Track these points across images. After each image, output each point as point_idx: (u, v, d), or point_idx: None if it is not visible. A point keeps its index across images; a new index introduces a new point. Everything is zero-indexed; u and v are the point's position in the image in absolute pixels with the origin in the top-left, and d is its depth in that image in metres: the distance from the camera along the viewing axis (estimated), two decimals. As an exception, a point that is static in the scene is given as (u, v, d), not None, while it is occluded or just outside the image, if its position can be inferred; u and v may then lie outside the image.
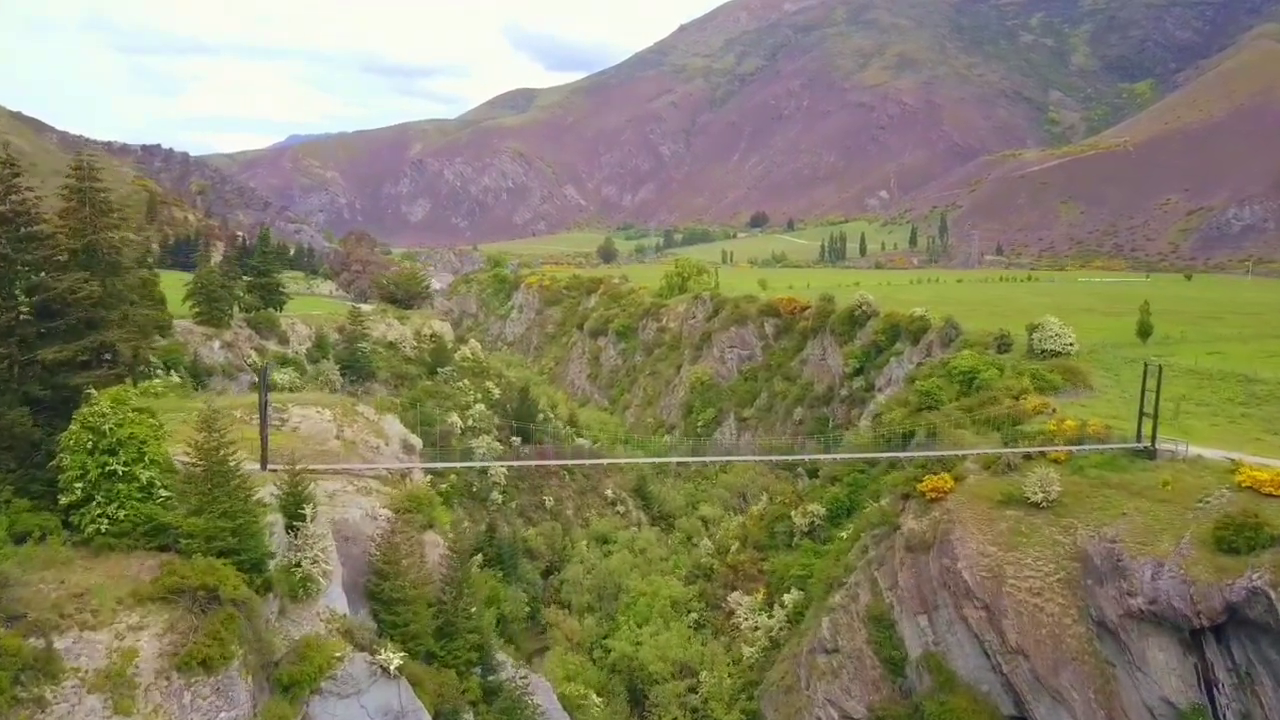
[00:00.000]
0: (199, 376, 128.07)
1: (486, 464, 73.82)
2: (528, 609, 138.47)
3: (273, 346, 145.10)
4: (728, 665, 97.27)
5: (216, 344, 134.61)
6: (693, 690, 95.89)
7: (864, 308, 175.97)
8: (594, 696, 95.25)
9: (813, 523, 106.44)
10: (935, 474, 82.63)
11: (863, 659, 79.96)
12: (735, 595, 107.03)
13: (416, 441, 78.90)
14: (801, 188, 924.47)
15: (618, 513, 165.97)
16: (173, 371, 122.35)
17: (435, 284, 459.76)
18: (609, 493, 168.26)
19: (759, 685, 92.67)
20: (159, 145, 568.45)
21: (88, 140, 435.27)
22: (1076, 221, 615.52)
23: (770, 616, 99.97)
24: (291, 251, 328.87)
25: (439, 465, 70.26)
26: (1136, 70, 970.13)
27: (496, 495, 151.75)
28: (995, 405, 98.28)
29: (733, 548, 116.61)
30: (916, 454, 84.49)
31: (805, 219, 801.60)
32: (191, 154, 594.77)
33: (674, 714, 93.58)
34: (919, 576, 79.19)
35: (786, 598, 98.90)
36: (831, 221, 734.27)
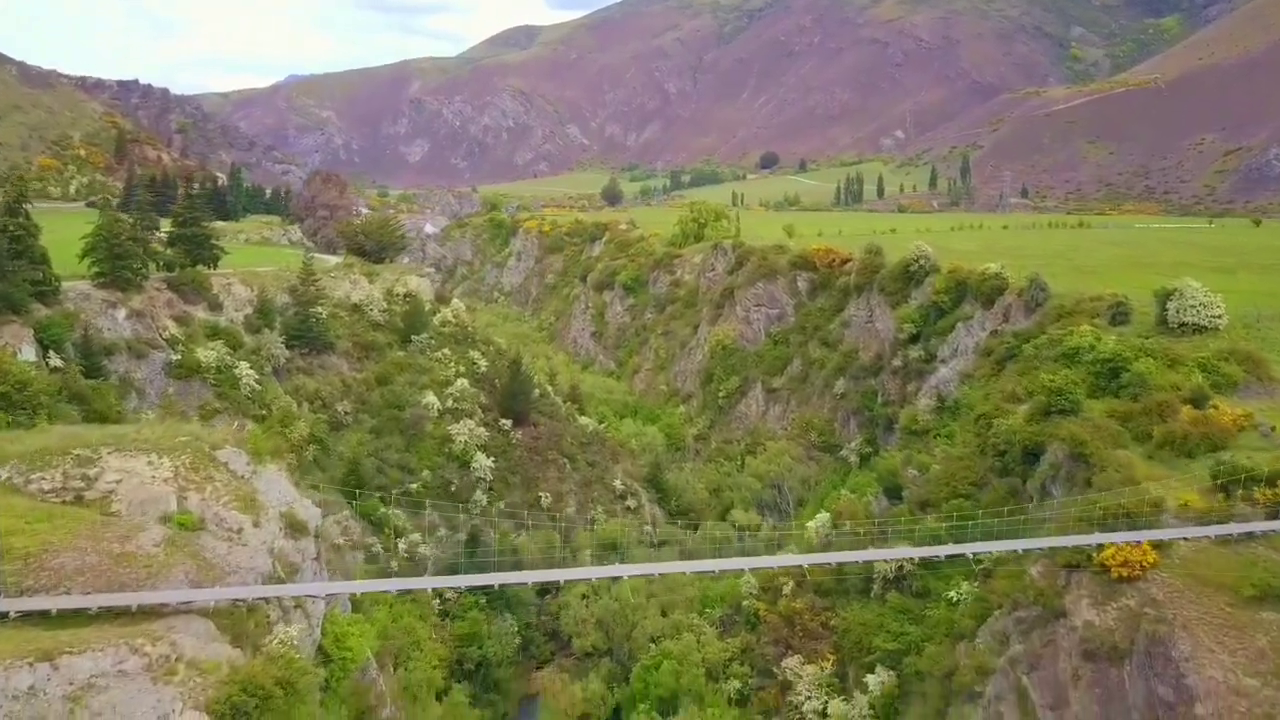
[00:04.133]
0: (94, 356, 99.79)
1: (403, 585, 47.01)
2: (519, 639, 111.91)
3: (201, 314, 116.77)
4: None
5: (122, 313, 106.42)
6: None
7: (921, 262, 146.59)
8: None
9: (902, 568, 78.59)
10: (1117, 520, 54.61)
11: (1013, 819, 52.44)
12: (792, 661, 79.79)
13: (312, 515, 51.00)
14: (813, 127, 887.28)
15: (628, 508, 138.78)
16: (50, 353, 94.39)
17: (430, 228, 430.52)
18: (618, 484, 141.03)
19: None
20: (136, 81, 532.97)
21: (57, 75, 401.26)
22: (1105, 162, 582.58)
23: (847, 702, 72.83)
24: (268, 194, 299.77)
25: (336, 586, 44.68)
26: (1162, 5, 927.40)
27: (480, 496, 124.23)
28: (1168, 413, 69.83)
29: (786, 588, 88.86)
30: (1085, 538, 56.07)
31: (818, 160, 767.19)
32: (188, 95, 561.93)
33: None
34: (1107, 699, 51.78)
35: (871, 679, 71.77)
36: (845, 162, 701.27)
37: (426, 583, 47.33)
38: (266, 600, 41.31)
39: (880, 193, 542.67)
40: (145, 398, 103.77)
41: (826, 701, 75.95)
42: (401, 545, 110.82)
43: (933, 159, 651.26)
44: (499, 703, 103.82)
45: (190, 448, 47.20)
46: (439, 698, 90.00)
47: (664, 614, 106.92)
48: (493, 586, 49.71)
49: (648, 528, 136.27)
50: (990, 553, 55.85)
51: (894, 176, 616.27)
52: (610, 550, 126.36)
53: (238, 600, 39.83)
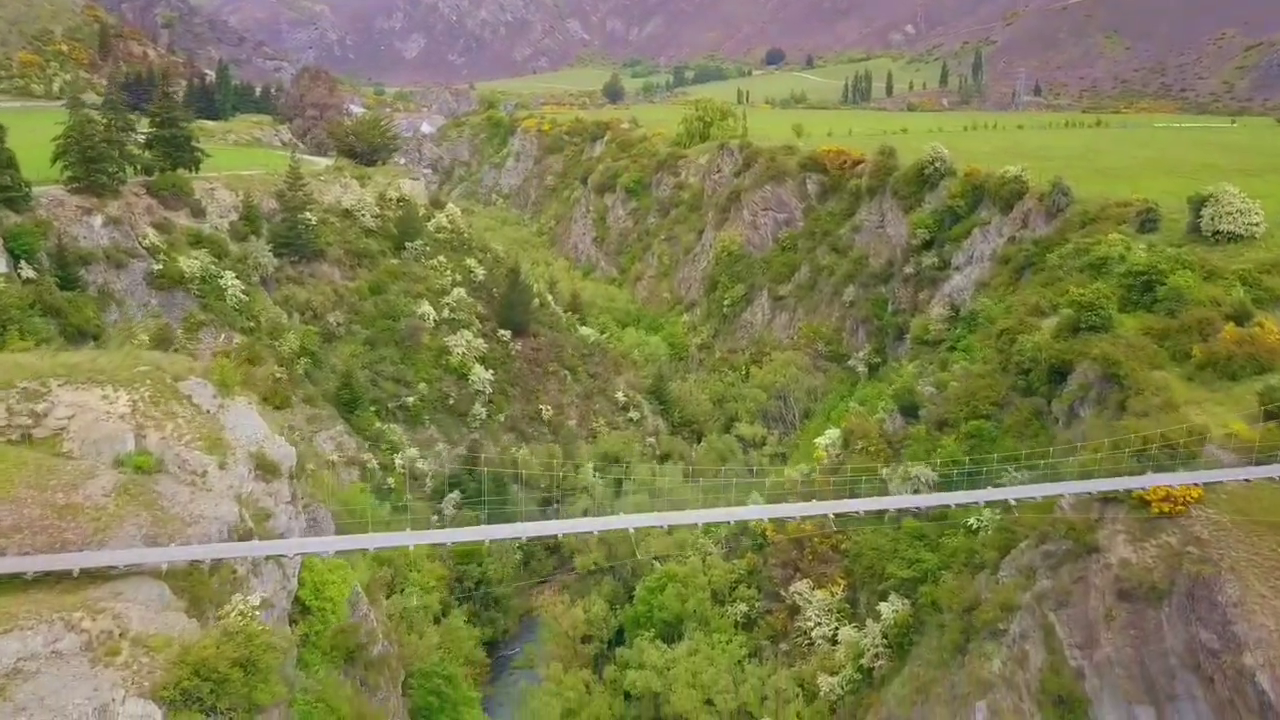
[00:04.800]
0: (69, 267, 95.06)
1: (382, 543, 42.59)
2: (519, 556, 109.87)
3: (183, 221, 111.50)
4: (798, 705, 67.89)
5: (98, 220, 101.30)
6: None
7: (936, 164, 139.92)
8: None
9: (917, 491, 74.96)
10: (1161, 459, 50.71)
11: (1037, 763, 49.83)
12: (801, 586, 77.04)
13: (285, 455, 46.79)
14: (820, 21, 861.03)
15: (630, 420, 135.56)
16: (22, 264, 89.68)
17: (427, 128, 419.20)
18: (620, 396, 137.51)
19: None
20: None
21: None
22: (1121, 58, 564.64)
23: (859, 630, 70.08)
24: (258, 92, 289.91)
25: (309, 544, 39.83)
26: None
27: (480, 409, 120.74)
28: (1208, 331, 65.42)
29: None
30: (1137, 480, 51.44)
31: (825, 56, 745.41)
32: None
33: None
34: (1143, 642, 48.64)
35: (884, 607, 68.86)
36: (853, 59, 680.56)
37: (409, 539, 43.24)
38: (237, 563, 37.75)
39: (889, 90, 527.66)
40: (126, 310, 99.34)
41: (837, 628, 73.43)
42: (398, 461, 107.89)
43: (944, 55, 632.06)
44: (499, 620, 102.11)
45: (150, 379, 42.82)
46: (437, 621, 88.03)
47: (668, 531, 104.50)
48: (483, 542, 45.33)
49: (650, 440, 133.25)
50: (1034, 498, 51.49)
51: (903, 73, 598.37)
52: (613, 463, 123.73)
53: (195, 561, 36.01)
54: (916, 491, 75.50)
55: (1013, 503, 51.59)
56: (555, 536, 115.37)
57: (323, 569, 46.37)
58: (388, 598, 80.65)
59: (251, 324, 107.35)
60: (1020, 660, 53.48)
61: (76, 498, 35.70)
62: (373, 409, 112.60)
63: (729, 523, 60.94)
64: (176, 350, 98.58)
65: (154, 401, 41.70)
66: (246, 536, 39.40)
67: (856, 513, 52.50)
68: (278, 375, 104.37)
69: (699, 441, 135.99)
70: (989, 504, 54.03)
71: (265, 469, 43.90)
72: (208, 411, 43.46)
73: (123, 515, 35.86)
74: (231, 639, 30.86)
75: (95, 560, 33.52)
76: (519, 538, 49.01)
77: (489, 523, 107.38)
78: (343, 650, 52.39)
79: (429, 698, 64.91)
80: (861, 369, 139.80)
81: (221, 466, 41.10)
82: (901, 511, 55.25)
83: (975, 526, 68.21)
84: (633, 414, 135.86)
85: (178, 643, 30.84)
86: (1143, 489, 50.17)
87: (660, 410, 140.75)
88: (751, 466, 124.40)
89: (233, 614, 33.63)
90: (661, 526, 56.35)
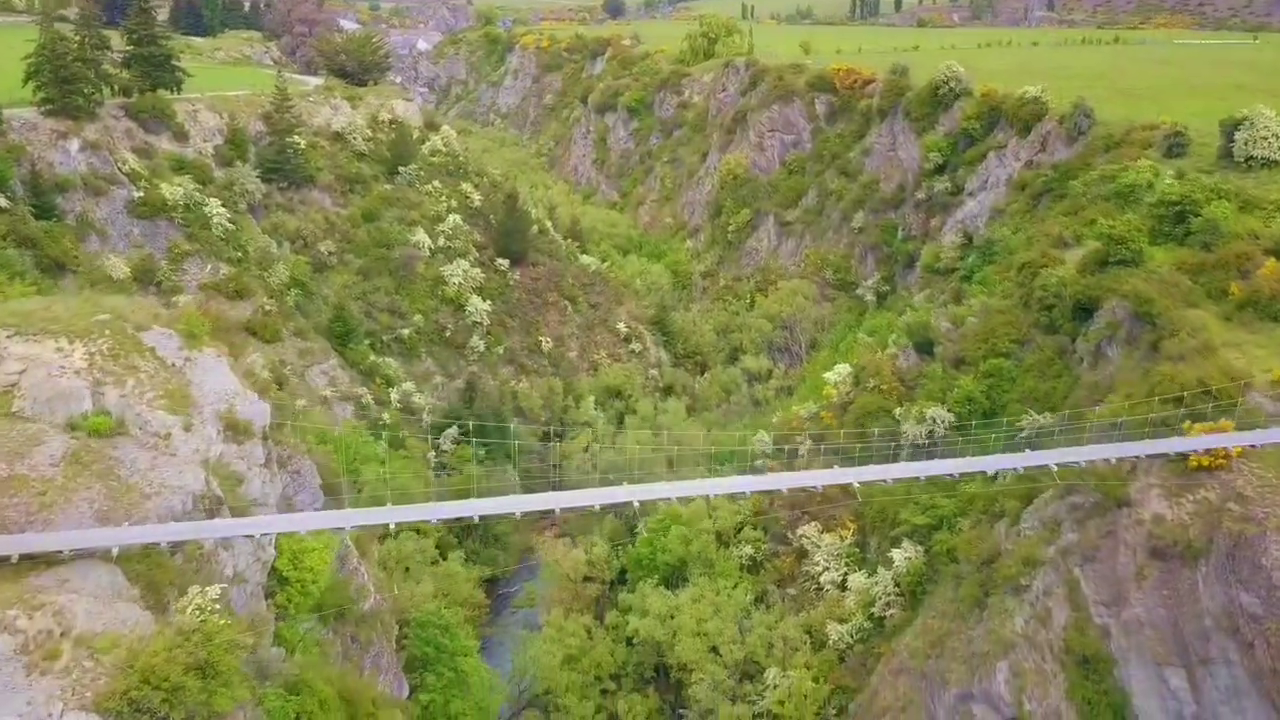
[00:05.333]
0: (45, 195, 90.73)
1: (362, 521, 39.12)
2: (519, 491, 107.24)
3: (165, 145, 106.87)
4: (805, 654, 65.73)
5: (74, 145, 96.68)
6: (757, 692, 64.96)
7: (951, 84, 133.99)
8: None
9: (932, 433, 71.87)
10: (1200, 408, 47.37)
11: (1059, 728, 47.57)
12: (809, 529, 74.42)
13: (258, 412, 43.21)
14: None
15: (633, 352, 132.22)
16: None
17: (423, 44, 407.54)
18: (622, 326, 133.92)
19: (857, 698, 61.54)
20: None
21: None
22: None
23: (869, 576, 67.61)
24: (247, 7, 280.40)
25: (280, 523, 36.17)
26: None
27: (478, 341, 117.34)
28: (1247, 267, 61.64)
29: (802, 448, 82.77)
30: (1195, 441, 47.62)
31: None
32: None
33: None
34: (1176, 603, 45.92)
35: (896, 554, 66.26)
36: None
37: (389, 515, 40.05)
38: (208, 544, 34.43)
39: (898, 5, 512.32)
40: (107, 240, 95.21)
41: (846, 574, 71.01)
42: (394, 395, 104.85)
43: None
44: (499, 557, 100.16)
45: (110, 329, 39.14)
46: (435, 563, 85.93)
47: (670, 466, 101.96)
48: (473, 518, 42.15)
49: (653, 372, 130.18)
50: (1078, 463, 47.80)
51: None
52: (614, 397, 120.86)
53: (151, 544, 32.75)
54: (931, 433, 72.74)
55: (1054, 468, 47.94)
56: (558, 467, 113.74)
57: (302, 535, 43.48)
58: (382, 541, 78.41)
59: (239, 254, 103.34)
60: (1043, 618, 50.90)
61: (21, 468, 32.38)
62: (367, 342, 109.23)
63: (746, 493, 56.61)
64: (160, 283, 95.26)
65: (113, 354, 38.16)
66: (214, 508, 36.29)
67: (884, 480, 48.96)
68: (267, 308, 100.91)
69: (703, 374, 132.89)
70: (1028, 469, 50.05)
71: (236, 429, 40.48)
72: (173, 365, 39.94)
73: (73, 489, 32.65)
74: (187, 640, 27.79)
75: (38, 544, 30.08)
76: (512, 513, 45.03)
77: (488, 460, 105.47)
78: (331, 609, 49.86)
79: (425, 648, 62.78)
80: (870, 298, 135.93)
81: (187, 428, 37.74)
82: (931, 477, 51.60)
83: (994, 473, 65.22)
84: (635, 345, 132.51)
85: (127, 643, 27.73)
86: (1195, 450, 46.63)
87: (663, 341, 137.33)
88: (757, 400, 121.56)
89: (189, 609, 30.50)
90: (670, 499, 52.60)
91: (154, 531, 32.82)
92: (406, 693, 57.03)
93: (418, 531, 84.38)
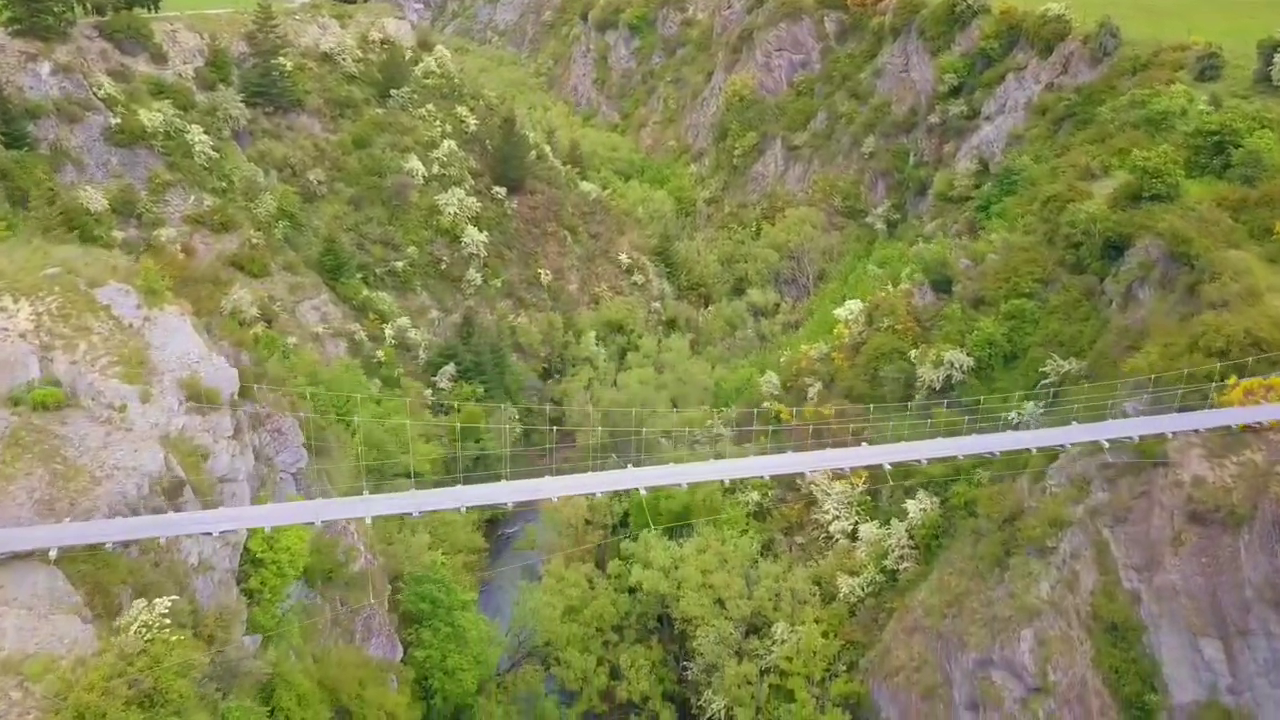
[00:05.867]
0: (15, 122, 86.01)
1: (338, 514, 35.31)
2: (519, 429, 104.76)
3: (142, 68, 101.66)
4: (814, 607, 63.38)
5: (45, 68, 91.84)
6: (764, 646, 62.77)
7: (969, 0, 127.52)
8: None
9: (950, 378, 68.41)
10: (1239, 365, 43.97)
11: (1085, 700, 45.17)
12: (819, 475, 71.37)
13: (226, 378, 39.46)
14: None
15: (635, 284, 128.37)
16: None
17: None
18: (624, 257, 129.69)
19: (868, 654, 59.36)
20: None
21: None
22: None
23: (882, 527, 64.91)
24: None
25: (247, 515, 32.81)
26: None
27: (474, 274, 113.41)
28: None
29: (811, 390, 79.42)
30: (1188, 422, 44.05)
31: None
32: None
33: (732, 688, 60.91)
34: (1215, 571, 43.11)
35: (910, 505, 63.45)
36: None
37: (365, 507, 36.62)
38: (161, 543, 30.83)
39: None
40: (84, 170, 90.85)
41: (857, 523, 68.36)
42: (389, 331, 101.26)
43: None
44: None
45: (60, 285, 35.43)
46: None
47: (674, 405, 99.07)
48: (460, 509, 38.75)
49: (655, 305, 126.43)
50: (1131, 438, 44.15)
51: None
52: (615, 332, 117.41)
53: (95, 545, 29.34)
54: (949, 378, 69.33)
55: (1105, 444, 44.45)
56: (559, 405, 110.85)
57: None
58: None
59: (223, 184, 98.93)
60: (1070, 583, 48.20)
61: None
62: (359, 275, 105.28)
63: (763, 477, 51.99)
64: (140, 216, 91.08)
65: (64, 314, 34.56)
66: (174, 491, 33.06)
67: (918, 461, 45.40)
68: (254, 241, 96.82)
69: (706, 306, 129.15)
70: (1076, 446, 46.50)
71: (200, 398, 36.87)
72: (130, 326, 36.30)
73: (10, 475, 29.37)
74: (130, 665, 24.64)
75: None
76: (504, 504, 41.21)
77: (486, 399, 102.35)
78: (318, 573, 47.16)
79: (420, 604, 60.43)
80: (880, 226, 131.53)
81: (145, 399, 34.31)
82: (969, 456, 48.21)
83: (1016, 422, 62.08)
84: (637, 277, 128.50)
85: (63, 668, 24.64)
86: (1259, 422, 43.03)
87: (666, 273, 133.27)
88: (763, 335, 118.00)
89: (134, 626, 27.15)
90: (681, 485, 48.48)
91: (99, 530, 29.56)
92: (400, 654, 54.74)
93: (412, 475, 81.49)
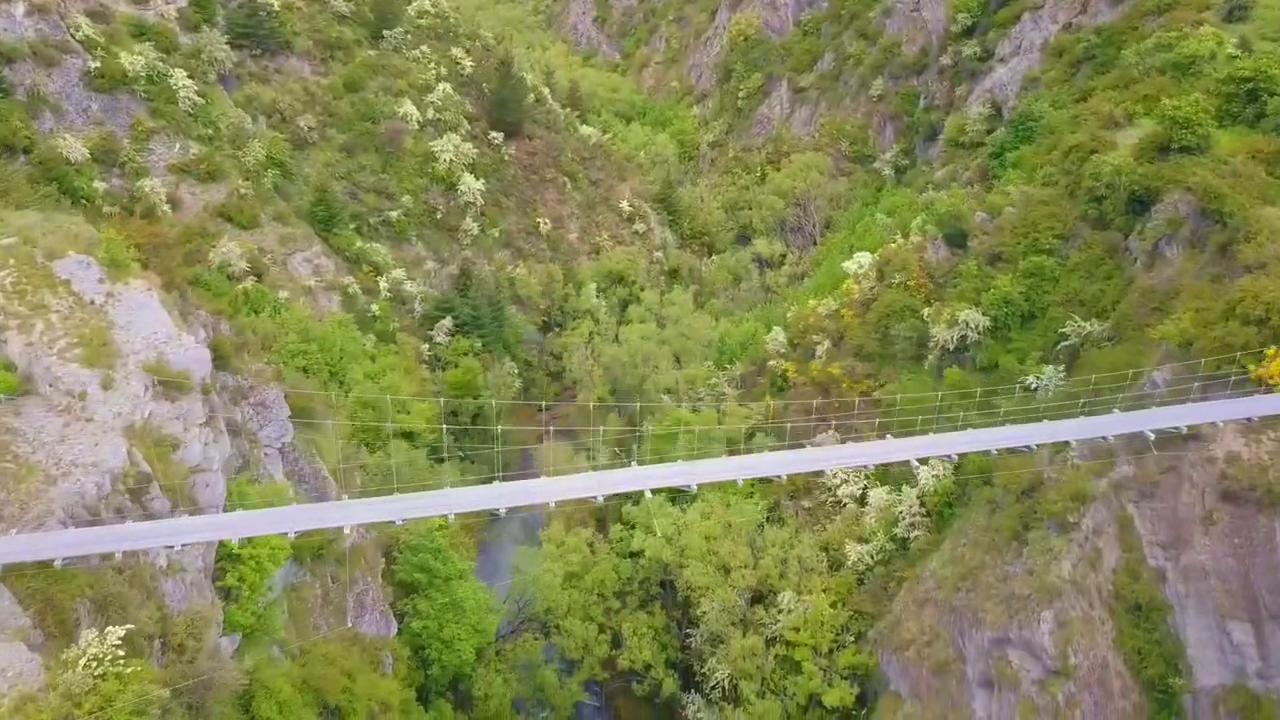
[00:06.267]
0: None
1: (318, 524, 31.83)
2: (519, 383, 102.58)
3: (122, 8, 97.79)
4: (822, 575, 61.55)
5: (19, 9, 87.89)
6: (770, 615, 61.04)
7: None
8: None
9: (965, 337, 65.72)
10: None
11: (1106, 683, 43.35)
12: (826, 437, 69.07)
13: (198, 360, 36.61)
14: None
15: (636, 233, 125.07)
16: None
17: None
18: (625, 205, 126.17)
19: (877, 625, 57.65)
20: None
21: None
22: None
23: (893, 493, 62.83)
24: None
25: (216, 526, 30.08)
26: None
27: (471, 223, 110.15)
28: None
29: (820, 347, 76.73)
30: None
31: None
32: None
33: (737, 660, 59.33)
34: (1248, 552, 40.98)
35: (923, 471, 61.24)
36: None
37: (344, 516, 33.61)
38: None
39: None
40: (63, 116, 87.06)
41: (866, 488, 66.24)
42: (383, 284, 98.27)
43: None
44: (498, 456, 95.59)
45: (15, 257, 32.62)
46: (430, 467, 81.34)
47: (677, 360, 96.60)
48: (448, 517, 35.83)
49: (658, 254, 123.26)
50: (1179, 428, 41.28)
51: None
52: (617, 283, 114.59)
53: (44, 562, 26.75)
54: (964, 339, 66.63)
55: (1150, 436, 41.64)
56: (559, 358, 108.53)
57: (257, 500, 37.69)
58: (372, 451, 73.59)
59: (209, 131, 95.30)
60: (1092, 561, 46.13)
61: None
62: (352, 226, 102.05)
63: (779, 478, 47.92)
64: (123, 165, 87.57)
65: (19, 291, 31.86)
66: (140, 488, 30.59)
67: (948, 457, 42.72)
68: (242, 191, 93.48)
69: (710, 255, 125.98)
70: (1118, 437, 43.55)
71: (169, 382, 34.26)
72: (92, 303, 33.56)
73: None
74: (78, 708, 22.18)
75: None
76: (496, 509, 36.97)
77: (484, 349, 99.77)
78: (308, 550, 45.08)
79: (416, 574, 58.63)
80: (888, 172, 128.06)
81: (107, 385, 31.69)
82: (1004, 451, 45.32)
83: (1034, 386, 59.62)
84: (638, 226, 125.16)
85: (2, 709, 22.30)
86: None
87: (668, 221, 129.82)
88: (768, 286, 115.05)
89: (81, 662, 24.44)
90: (689, 487, 45.15)
91: (48, 544, 26.98)
92: (394, 630, 52.96)
93: (408, 436, 79.59)
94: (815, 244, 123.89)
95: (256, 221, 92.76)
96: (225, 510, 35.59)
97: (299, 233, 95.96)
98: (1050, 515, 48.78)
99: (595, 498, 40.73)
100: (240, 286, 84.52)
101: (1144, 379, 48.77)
